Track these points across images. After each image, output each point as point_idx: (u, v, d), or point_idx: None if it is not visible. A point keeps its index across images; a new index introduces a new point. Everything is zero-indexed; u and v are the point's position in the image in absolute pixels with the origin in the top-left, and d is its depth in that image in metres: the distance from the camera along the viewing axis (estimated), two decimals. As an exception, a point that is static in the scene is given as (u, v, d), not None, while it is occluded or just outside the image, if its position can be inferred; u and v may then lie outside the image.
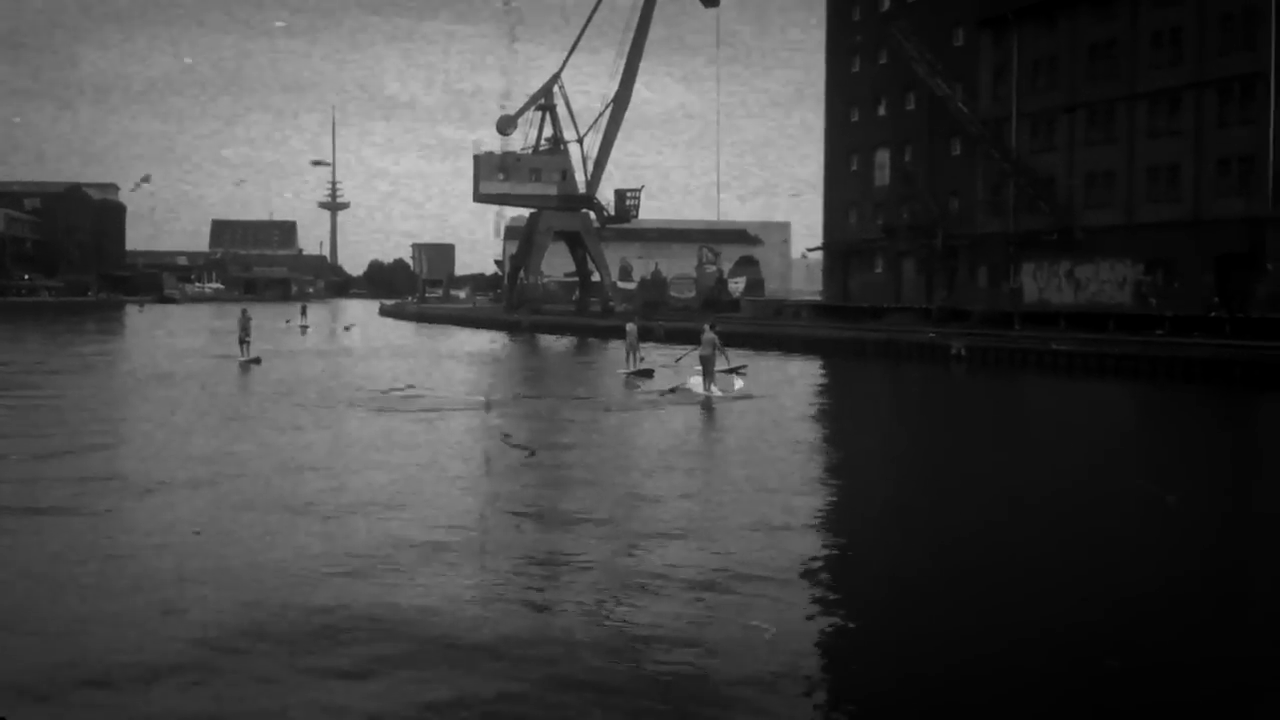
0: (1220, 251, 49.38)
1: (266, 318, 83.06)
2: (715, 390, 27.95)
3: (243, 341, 38.67)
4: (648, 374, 32.80)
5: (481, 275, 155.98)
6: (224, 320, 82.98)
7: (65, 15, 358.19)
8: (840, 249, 76.06)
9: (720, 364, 29.91)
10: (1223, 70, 49.63)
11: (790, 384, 33.16)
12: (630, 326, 35.96)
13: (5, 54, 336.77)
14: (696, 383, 28.84)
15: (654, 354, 38.27)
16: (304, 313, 74.42)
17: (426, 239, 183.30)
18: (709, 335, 28.82)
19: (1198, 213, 50.88)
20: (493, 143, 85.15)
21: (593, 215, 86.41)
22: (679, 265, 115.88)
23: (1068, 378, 35.26)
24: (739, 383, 30.52)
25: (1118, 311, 50.07)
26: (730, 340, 34.66)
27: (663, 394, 28.02)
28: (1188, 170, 51.44)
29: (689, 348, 34.37)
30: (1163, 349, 36.25)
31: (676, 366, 32.39)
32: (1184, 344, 37.59)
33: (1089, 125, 56.71)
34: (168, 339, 56.94)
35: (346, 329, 69.07)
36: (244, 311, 40.10)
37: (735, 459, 18.30)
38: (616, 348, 48.37)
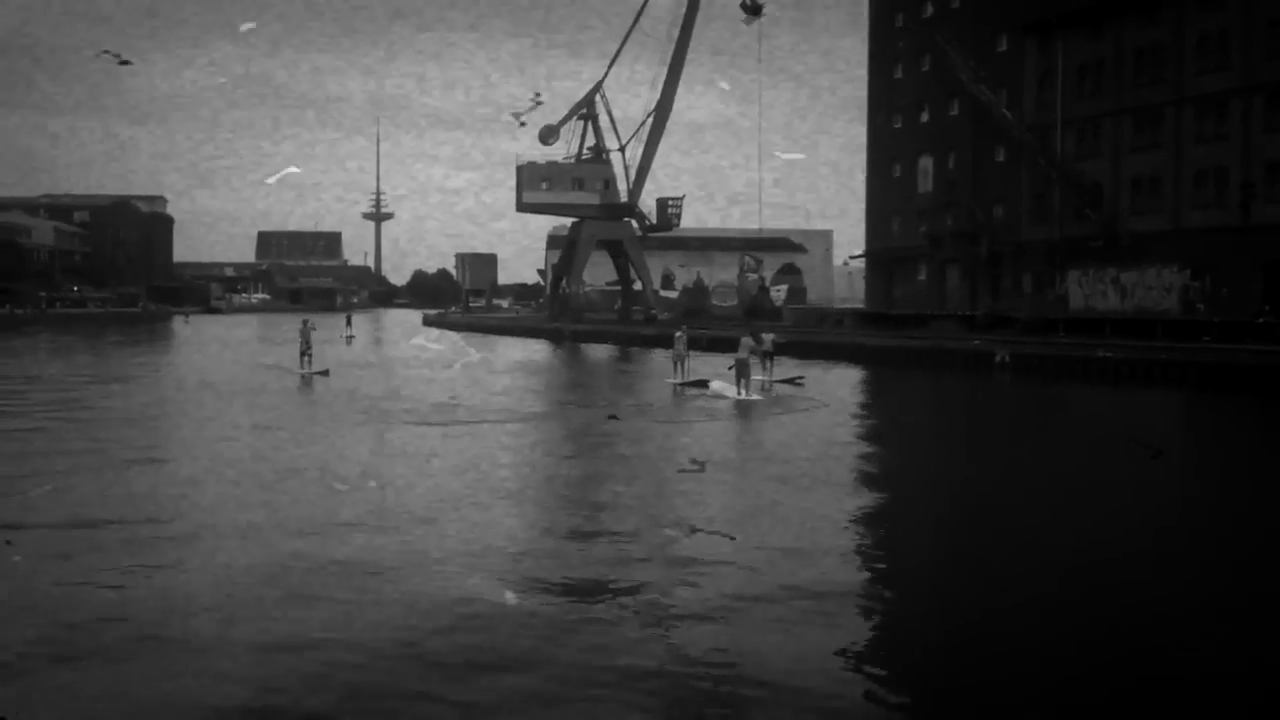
0: (1269, 257, 48.82)
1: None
2: (750, 394, 28.62)
3: (304, 354, 37.18)
4: (703, 384, 31.90)
5: (524, 284, 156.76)
6: (269, 330, 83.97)
7: (108, 31, 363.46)
8: (883, 256, 75.84)
9: (757, 371, 30.10)
10: (1271, 75, 49.14)
11: (834, 391, 32.88)
12: (679, 335, 34.73)
13: (51, 70, 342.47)
14: (721, 386, 29.96)
15: (700, 364, 37.89)
16: (349, 323, 75.00)
17: (470, 249, 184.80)
18: (749, 340, 29.61)
19: (1245, 218, 50.35)
20: (536, 152, 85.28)
21: (635, 224, 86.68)
22: (721, 273, 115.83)
23: (1114, 385, 35.00)
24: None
25: (1165, 318, 49.55)
26: (775, 349, 34.81)
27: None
28: (1235, 175, 50.93)
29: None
30: (1211, 356, 35.90)
31: (730, 374, 32.34)
32: (1233, 351, 37.20)
33: (1135, 131, 56.30)
34: (222, 351, 55.83)
35: (348, 338, 65.42)
36: (305, 322, 38.85)
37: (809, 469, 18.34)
38: (659, 357, 48.48)
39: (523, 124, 57.60)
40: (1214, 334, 43.17)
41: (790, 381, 32.76)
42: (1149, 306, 53.92)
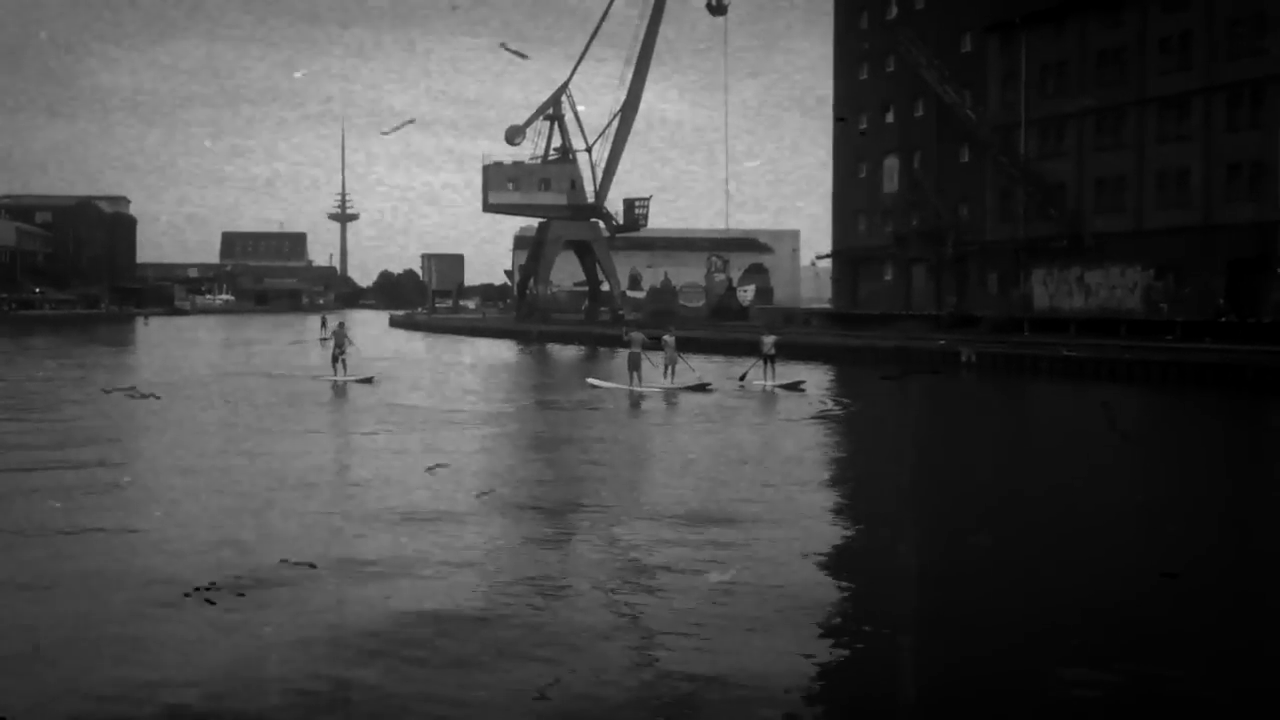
0: (1231, 256, 49.31)
1: (270, 329, 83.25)
2: (640, 386, 30.56)
3: (336, 359, 33.80)
4: (703, 388, 31.04)
5: (491, 285, 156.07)
6: (234, 331, 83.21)
7: (68, 30, 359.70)
8: (850, 256, 76.04)
9: (669, 366, 32.10)
10: (1233, 75, 49.61)
11: (820, 394, 32.38)
12: (668, 338, 32.94)
13: (11, 68, 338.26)
14: (598, 380, 33.30)
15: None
16: (324, 324, 74.24)
17: (436, 249, 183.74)
18: (639, 335, 32.57)
19: (1208, 218, 50.82)
20: (502, 153, 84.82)
21: (602, 224, 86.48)
22: (688, 274, 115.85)
23: (1078, 383, 35.20)
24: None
25: (1128, 317, 49.98)
26: (742, 349, 34.79)
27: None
28: (1198, 175, 51.40)
29: (751, 361, 34.54)
30: (1174, 354, 36.18)
31: (741, 386, 32.51)
32: (1195, 349, 37.51)
33: (1098, 131, 56.68)
34: (220, 356, 53.05)
35: (322, 340, 60.20)
36: (341, 324, 35.96)
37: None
38: (623, 356, 48.16)
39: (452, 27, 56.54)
40: (1177, 333, 43.52)
41: (793, 387, 32.49)
42: (1113, 306, 54.33)
